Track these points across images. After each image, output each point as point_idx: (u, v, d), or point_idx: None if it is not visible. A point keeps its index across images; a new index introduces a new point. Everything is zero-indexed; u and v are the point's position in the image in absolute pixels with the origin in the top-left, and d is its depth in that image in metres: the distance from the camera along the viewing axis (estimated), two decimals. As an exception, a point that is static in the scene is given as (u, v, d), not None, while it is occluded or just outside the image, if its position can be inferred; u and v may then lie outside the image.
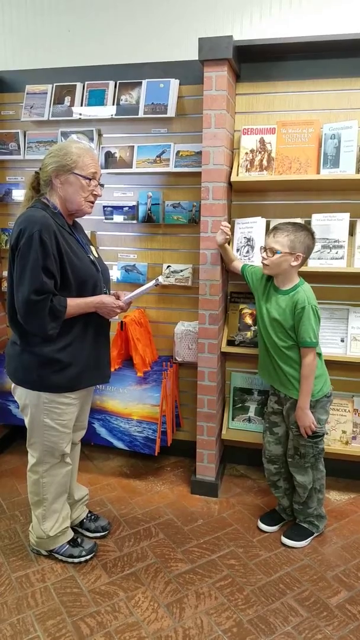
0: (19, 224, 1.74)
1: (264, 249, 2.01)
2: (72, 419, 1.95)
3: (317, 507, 2.18)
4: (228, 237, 2.23)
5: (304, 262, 1.99)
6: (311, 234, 1.99)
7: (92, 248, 1.99)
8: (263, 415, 2.62)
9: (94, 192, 1.86)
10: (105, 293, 1.94)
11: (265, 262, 2.00)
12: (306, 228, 2.00)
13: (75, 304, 1.80)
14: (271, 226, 2.39)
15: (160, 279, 2.01)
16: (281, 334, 2.02)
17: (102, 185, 1.90)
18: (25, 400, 1.89)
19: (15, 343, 1.87)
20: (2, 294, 3.00)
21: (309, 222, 2.39)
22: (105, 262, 2.06)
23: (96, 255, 1.98)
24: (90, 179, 1.82)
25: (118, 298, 1.94)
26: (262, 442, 2.27)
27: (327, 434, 2.41)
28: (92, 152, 1.86)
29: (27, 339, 1.82)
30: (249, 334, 2.52)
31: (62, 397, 1.88)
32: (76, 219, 1.97)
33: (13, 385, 1.92)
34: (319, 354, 2.07)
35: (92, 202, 1.88)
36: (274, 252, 1.96)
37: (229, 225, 2.24)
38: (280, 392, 2.09)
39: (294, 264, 1.97)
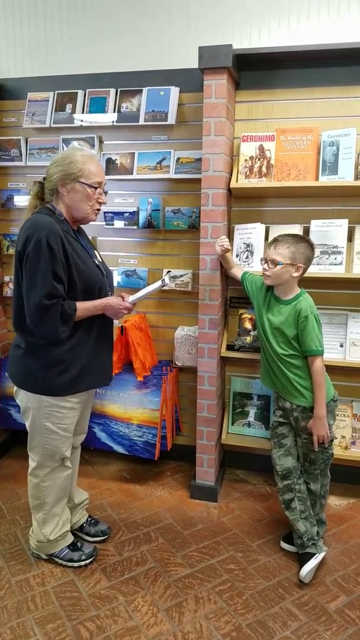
0: (26, 229, 1.76)
1: (265, 260, 2.02)
2: (72, 423, 1.96)
3: (318, 512, 2.18)
4: (226, 249, 2.26)
5: (304, 272, 2.01)
6: (310, 245, 2.01)
7: (96, 252, 2.01)
8: (262, 419, 2.64)
9: (99, 200, 1.88)
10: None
11: (267, 273, 2.01)
12: (306, 239, 2.02)
13: (83, 307, 1.83)
14: (270, 233, 2.43)
15: (167, 279, 2.04)
16: (283, 344, 2.03)
17: (105, 193, 1.92)
18: (27, 403, 1.91)
19: (19, 346, 1.88)
20: (4, 299, 3.02)
21: (307, 228, 2.41)
22: (106, 268, 2.08)
23: (100, 260, 2.00)
24: (95, 188, 1.84)
25: (123, 300, 1.96)
26: (272, 462, 2.16)
27: (335, 438, 2.41)
28: (96, 159, 1.88)
29: (31, 343, 1.84)
30: (248, 339, 2.54)
31: (63, 401, 1.89)
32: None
33: (15, 388, 1.93)
34: None
35: (98, 210, 1.90)
36: (275, 263, 1.97)
37: (227, 240, 2.26)
38: (286, 400, 2.09)
39: (295, 274, 1.98)
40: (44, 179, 1.86)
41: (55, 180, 1.81)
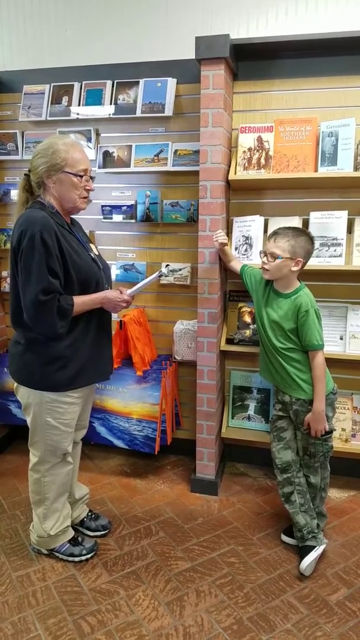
0: (19, 225, 1.75)
1: (265, 253, 2.00)
2: (74, 419, 1.96)
3: (319, 505, 2.17)
4: (222, 244, 2.25)
5: (303, 266, 1.99)
6: (311, 239, 1.99)
7: (92, 246, 1.99)
8: (262, 413, 2.64)
9: (87, 187, 1.86)
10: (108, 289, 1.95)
11: (266, 267, 1.99)
12: (306, 233, 2.00)
13: (81, 302, 1.81)
14: (269, 225, 2.41)
15: (164, 270, 2.03)
16: (281, 337, 2.02)
17: (92, 178, 1.89)
18: (27, 399, 1.90)
19: (19, 342, 1.87)
20: (1, 294, 3.01)
21: (307, 220, 2.39)
22: (104, 262, 2.07)
23: (96, 253, 1.99)
24: (81, 176, 1.82)
25: (121, 293, 1.95)
26: (272, 455, 2.16)
27: (334, 430, 2.41)
28: (79, 146, 1.85)
29: (31, 339, 1.82)
30: (247, 333, 2.53)
31: (64, 397, 1.88)
32: (74, 217, 1.97)
33: (15, 384, 1.93)
34: None
35: (86, 198, 1.88)
36: (275, 257, 1.95)
37: (223, 234, 2.25)
38: (286, 393, 2.08)
39: (294, 269, 1.96)
40: (30, 171, 1.83)
41: (41, 172, 1.78)
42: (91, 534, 2.22)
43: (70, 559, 2.08)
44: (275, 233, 2.00)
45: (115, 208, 2.69)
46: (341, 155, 2.24)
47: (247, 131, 2.38)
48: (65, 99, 2.65)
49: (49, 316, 1.73)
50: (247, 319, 2.54)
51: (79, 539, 2.13)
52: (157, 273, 2.07)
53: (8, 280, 2.93)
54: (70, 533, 2.11)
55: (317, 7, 2.35)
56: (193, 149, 2.50)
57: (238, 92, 2.45)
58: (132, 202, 2.67)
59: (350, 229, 2.35)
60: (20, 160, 2.78)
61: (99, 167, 2.63)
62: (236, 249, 2.47)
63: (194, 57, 2.21)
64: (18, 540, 2.21)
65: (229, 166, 2.43)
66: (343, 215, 2.33)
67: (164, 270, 2.08)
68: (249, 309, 2.54)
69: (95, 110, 2.61)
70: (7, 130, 2.78)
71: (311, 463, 2.09)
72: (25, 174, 1.85)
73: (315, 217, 2.36)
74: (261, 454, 2.68)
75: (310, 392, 2.00)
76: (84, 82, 2.64)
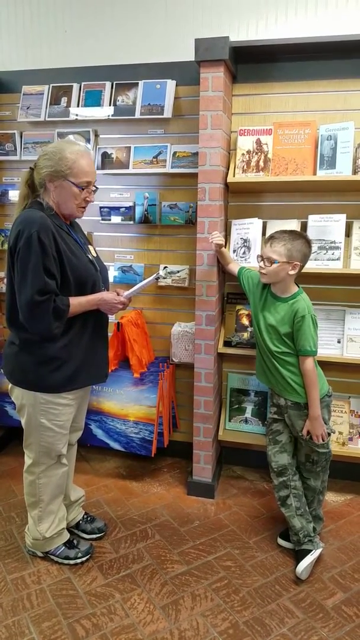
0: (17, 225, 1.74)
1: (262, 258, 2.00)
2: (68, 420, 1.95)
3: (316, 508, 2.17)
4: (217, 245, 2.25)
5: (300, 270, 1.98)
6: (307, 242, 1.98)
7: (91, 247, 1.99)
8: (259, 416, 2.63)
9: (87, 199, 1.85)
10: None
11: (263, 271, 1.99)
12: (302, 236, 1.99)
13: (77, 303, 1.81)
14: (268, 228, 2.41)
15: (161, 272, 2.02)
16: (277, 341, 2.01)
17: (95, 189, 1.88)
18: (22, 400, 1.89)
19: (13, 343, 1.86)
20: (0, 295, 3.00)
21: (305, 223, 2.39)
22: (102, 263, 2.06)
23: (94, 255, 1.98)
24: (83, 188, 1.81)
25: (118, 295, 1.94)
26: (267, 459, 2.15)
27: (334, 432, 2.40)
28: (88, 156, 1.83)
29: (25, 339, 1.82)
30: (245, 335, 2.52)
31: (59, 398, 1.87)
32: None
33: (10, 385, 1.92)
34: None
35: (84, 208, 1.88)
36: (271, 261, 1.95)
37: (218, 235, 2.25)
38: (281, 396, 2.08)
39: (292, 272, 1.96)
40: (35, 165, 1.82)
41: (44, 174, 1.78)
42: (87, 536, 2.21)
43: (66, 561, 2.06)
44: (272, 237, 1.99)
45: (114, 209, 2.69)
46: (340, 159, 2.24)
47: (246, 134, 2.38)
48: (64, 100, 2.64)
49: (44, 317, 1.72)
50: (245, 321, 2.54)
51: (75, 541, 2.11)
52: (154, 275, 2.07)
53: (5, 280, 2.92)
54: (66, 535, 2.10)
55: (317, 10, 2.36)
56: (192, 151, 2.50)
57: (237, 94, 2.45)
58: (131, 204, 2.67)
59: (348, 232, 2.35)
60: (19, 160, 2.78)
61: (98, 169, 2.63)
62: (234, 251, 2.46)
63: (193, 59, 2.21)
64: (13, 542, 2.20)
65: (228, 169, 2.42)
66: (341, 218, 2.33)
67: (161, 272, 2.08)
68: (246, 312, 2.54)
69: (94, 111, 2.60)
70: (5, 130, 2.77)
71: (314, 469, 2.09)
72: (30, 167, 1.84)
73: (313, 220, 2.36)
74: (258, 457, 2.67)
75: (304, 395, 2.00)
76: (83, 83, 2.63)
